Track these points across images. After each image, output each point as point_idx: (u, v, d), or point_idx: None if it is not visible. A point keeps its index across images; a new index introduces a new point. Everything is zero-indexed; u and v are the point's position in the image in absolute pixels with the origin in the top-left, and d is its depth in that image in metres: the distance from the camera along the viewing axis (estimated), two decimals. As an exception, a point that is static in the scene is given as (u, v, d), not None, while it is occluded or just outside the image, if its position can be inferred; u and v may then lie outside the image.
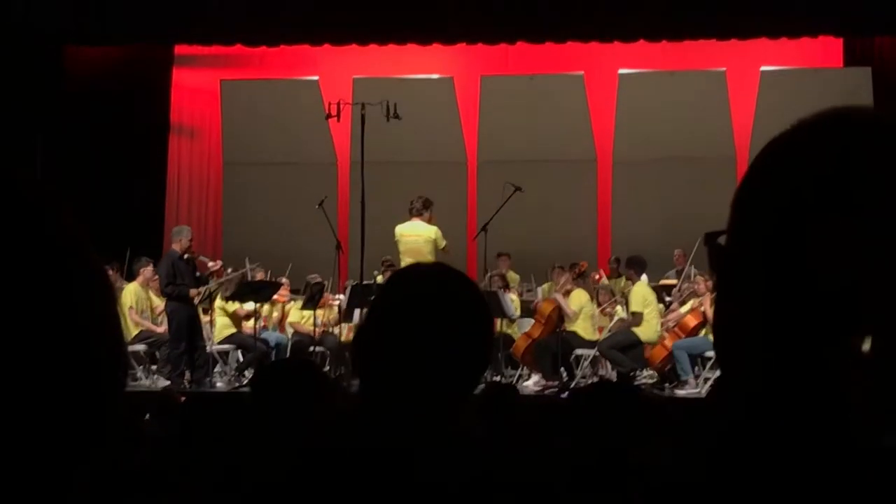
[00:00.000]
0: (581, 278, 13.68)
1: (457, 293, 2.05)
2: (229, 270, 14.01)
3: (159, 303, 13.44)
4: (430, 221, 13.06)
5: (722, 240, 1.08)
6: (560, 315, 13.39)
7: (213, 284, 13.32)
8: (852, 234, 0.98)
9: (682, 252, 15.21)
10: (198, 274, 13.16)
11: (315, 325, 13.43)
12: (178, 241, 13.07)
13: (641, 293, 13.34)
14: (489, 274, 14.28)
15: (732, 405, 1.06)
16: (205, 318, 13.46)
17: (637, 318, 13.22)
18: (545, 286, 14.77)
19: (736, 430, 1.04)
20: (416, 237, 13.21)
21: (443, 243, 13.28)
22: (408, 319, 2.00)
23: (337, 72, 16.79)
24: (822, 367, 0.99)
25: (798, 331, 1.00)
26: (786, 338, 1.00)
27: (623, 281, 14.62)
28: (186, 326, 12.68)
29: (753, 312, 1.03)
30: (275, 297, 13.98)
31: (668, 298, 14.13)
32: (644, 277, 14.13)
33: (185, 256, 12.94)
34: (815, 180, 1.01)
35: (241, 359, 13.74)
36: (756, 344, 1.02)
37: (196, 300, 12.95)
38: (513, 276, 15.11)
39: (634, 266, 14.00)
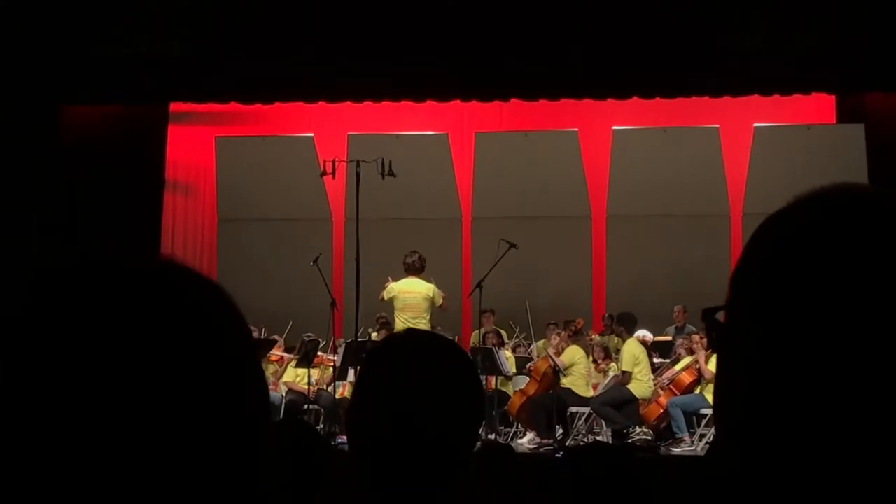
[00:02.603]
0: (577, 336, 13.66)
1: (440, 356, 2.04)
2: None
3: None
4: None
5: (720, 316, 1.10)
6: (556, 373, 13.36)
7: None
8: (841, 315, 0.99)
9: (681, 308, 15.22)
10: None
11: (309, 383, 13.37)
12: None
13: (631, 352, 13.31)
14: (483, 331, 14.27)
15: (730, 473, 1.07)
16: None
17: (626, 376, 13.19)
18: (539, 343, 14.75)
19: (734, 490, 1.06)
20: (415, 294, 13.26)
21: (440, 300, 13.31)
22: (397, 389, 1.99)
23: (332, 128, 16.86)
24: (808, 439, 1.00)
25: (787, 410, 1.01)
26: (775, 417, 1.01)
27: (616, 338, 14.61)
28: None
29: (745, 386, 1.04)
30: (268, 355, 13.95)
31: (657, 360, 14.10)
32: (639, 333, 14.12)
33: None
34: (807, 260, 1.02)
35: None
36: (749, 420, 1.04)
37: None
38: (501, 332, 15.11)
39: (624, 323, 14.01)
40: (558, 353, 13.37)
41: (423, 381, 1.99)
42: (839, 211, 1.04)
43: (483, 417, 2.14)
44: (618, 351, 13.99)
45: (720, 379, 1.10)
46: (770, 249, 1.06)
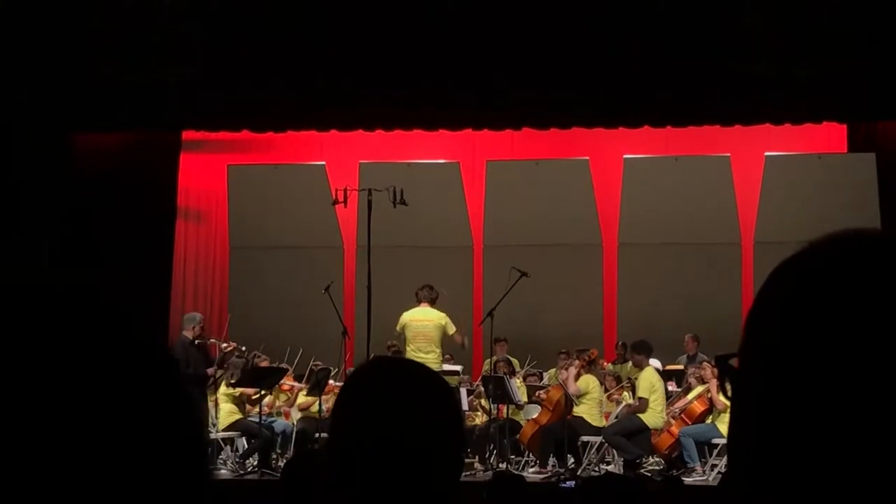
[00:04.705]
0: (591, 366, 13.63)
1: (416, 378, 2.04)
2: (243, 348, 14.13)
3: None
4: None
5: (734, 362, 1.10)
6: (568, 401, 13.32)
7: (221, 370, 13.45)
8: (849, 363, 0.99)
9: (692, 337, 15.18)
10: (215, 356, 13.40)
11: (320, 411, 13.36)
12: (191, 327, 13.27)
13: (649, 379, 13.29)
14: (495, 359, 14.25)
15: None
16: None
17: (643, 403, 13.15)
18: (551, 372, 14.72)
19: None
20: (427, 322, 13.30)
21: (452, 329, 13.35)
22: (373, 413, 1.97)
23: (343, 157, 16.89)
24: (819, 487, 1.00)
25: (797, 458, 1.01)
26: (785, 464, 1.02)
27: (629, 366, 14.57)
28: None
29: (755, 432, 1.04)
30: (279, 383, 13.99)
31: (671, 388, 14.07)
32: (653, 362, 14.10)
33: (196, 342, 13.13)
34: (820, 307, 1.02)
35: (246, 445, 13.68)
36: (759, 467, 1.04)
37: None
38: (512, 361, 15.10)
39: (643, 351, 13.97)
40: (576, 378, 13.32)
41: (399, 403, 1.98)
42: (853, 258, 1.04)
43: (464, 441, 2.12)
44: (629, 379, 13.96)
45: (733, 424, 1.10)
46: (783, 296, 1.06)
